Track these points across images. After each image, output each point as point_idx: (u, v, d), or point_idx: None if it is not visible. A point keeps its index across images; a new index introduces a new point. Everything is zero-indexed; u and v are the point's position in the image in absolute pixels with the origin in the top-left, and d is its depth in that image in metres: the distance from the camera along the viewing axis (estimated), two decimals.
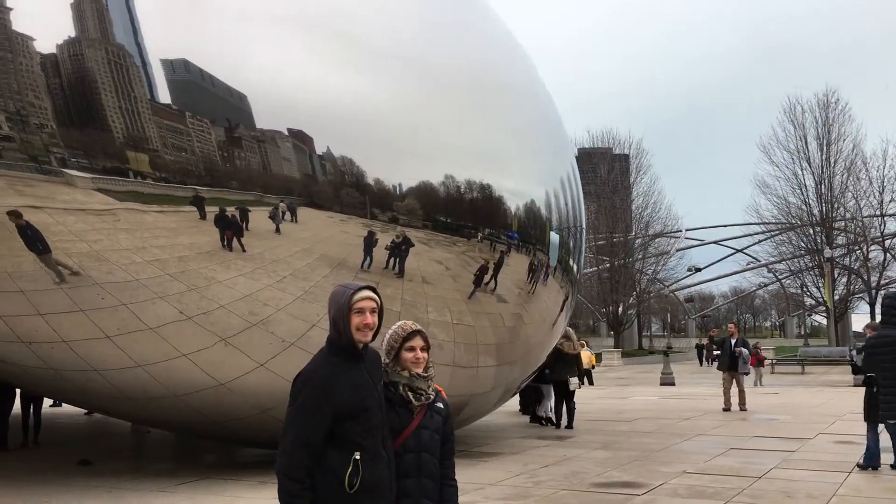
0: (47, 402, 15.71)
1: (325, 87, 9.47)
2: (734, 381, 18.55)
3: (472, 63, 11.43)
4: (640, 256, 70.56)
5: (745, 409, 18.17)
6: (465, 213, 10.56)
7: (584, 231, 14.79)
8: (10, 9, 8.29)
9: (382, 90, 9.89)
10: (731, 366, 18.54)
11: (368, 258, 9.50)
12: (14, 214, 8.42)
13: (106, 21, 8.67)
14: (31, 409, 14.00)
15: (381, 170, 9.65)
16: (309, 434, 3.29)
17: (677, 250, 79.14)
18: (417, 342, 3.71)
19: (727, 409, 18.25)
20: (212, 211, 8.76)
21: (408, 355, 3.69)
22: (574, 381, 15.38)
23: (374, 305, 3.46)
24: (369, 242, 9.45)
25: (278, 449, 3.33)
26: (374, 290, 3.49)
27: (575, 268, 14.01)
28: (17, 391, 13.49)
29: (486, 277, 10.82)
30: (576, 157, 16.57)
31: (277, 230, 9.10)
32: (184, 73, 8.86)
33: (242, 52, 9.12)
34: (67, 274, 8.62)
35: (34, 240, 8.50)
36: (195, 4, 8.99)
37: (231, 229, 8.87)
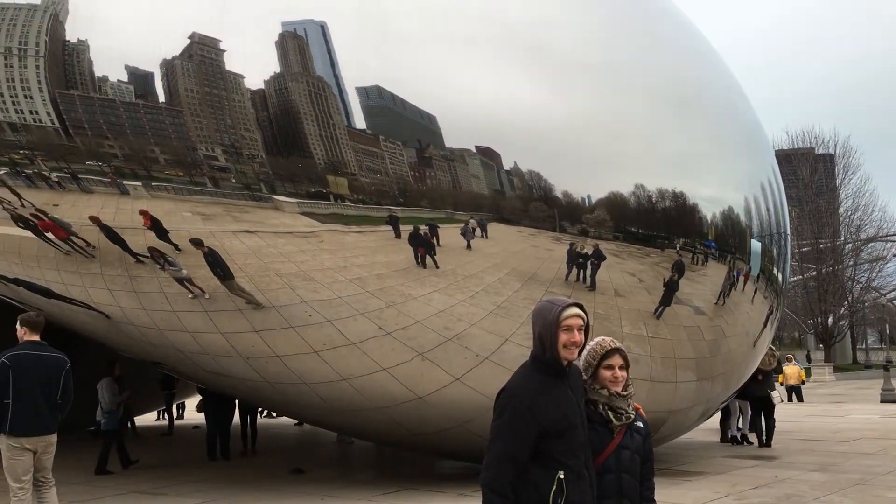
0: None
1: (512, 101, 9.53)
2: None
3: (662, 69, 11.08)
4: (850, 263, 65.20)
5: None
6: (657, 222, 10.23)
7: (788, 237, 13.86)
8: (224, 51, 9.05)
9: (568, 102, 9.84)
10: None
11: (561, 271, 9.43)
12: (196, 242, 9.15)
13: (307, 55, 9.22)
14: (249, 420, 15.11)
15: (569, 182, 9.57)
16: (514, 450, 3.29)
17: (894, 255, 72.35)
18: (616, 360, 3.64)
19: None
20: (406, 229, 9.07)
21: (606, 374, 3.62)
22: (776, 395, 14.37)
23: (582, 323, 3.40)
24: (561, 256, 9.39)
25: (483, 463, 3.35)
26: (581, 307, 3.43)
27: (780, 277, 13.15)
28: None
29: (680, 288, 10.39)
30: None
31: (468, 246, 9.26)
32: (377, 99, 9.27)
33: (430, 75, 9.41)
34: (243, 301, 9.22)
35: (215, 265, 9.18)
36: (386, 33, 9.37)
37: (423, 247, 9.13)
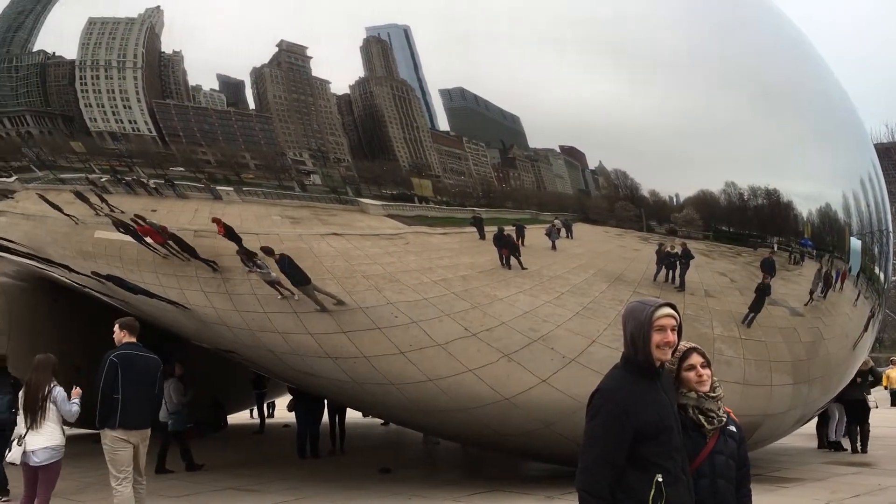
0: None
1: (596, 99, 9.41)
2: None
3: (753, 60, 10.73)
4: None
5: None
6: (749, 221, 9.90)
7: (890, 235, 13.22)
8: (310, 57, 9.24)
9: (654, 98, 9.62)
10: None
11: (649, 272, 9.25)
12: (265, 251, 9.38)
13: (390, 59, 9.32)
14: (338, 419, 15.36)
15: (655, 181, 9.36)
16: (610, 452, 3.24)
17: None
18: (696, 359, 3.56)
19: None
20: (490, 231, 9.05)
21: (690, 375, 3.55)
22: (871, 399, 13.70)
23: (675, 323, 3.34)
24: (648, 256, 9.20)
25: (578, 466, 3.32)
26: (673, 307, 3.37)
27: (882, 276, 12.55)
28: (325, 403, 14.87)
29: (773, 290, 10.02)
30: None
31: (553, 247, 9.18)
32: (460, 101, 9.30)
33: (513, 75, 9.36)
34: (331, 303, 9.39)
35: (292, 272, 9.37)
36: (469, 34, 9.38)
37: (508, 248, 9.10)
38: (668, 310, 3.34)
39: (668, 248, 9.22)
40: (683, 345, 3.59)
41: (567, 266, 9.29)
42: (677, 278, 9.34)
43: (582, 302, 9.14)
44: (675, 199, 9.50)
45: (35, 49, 10.31)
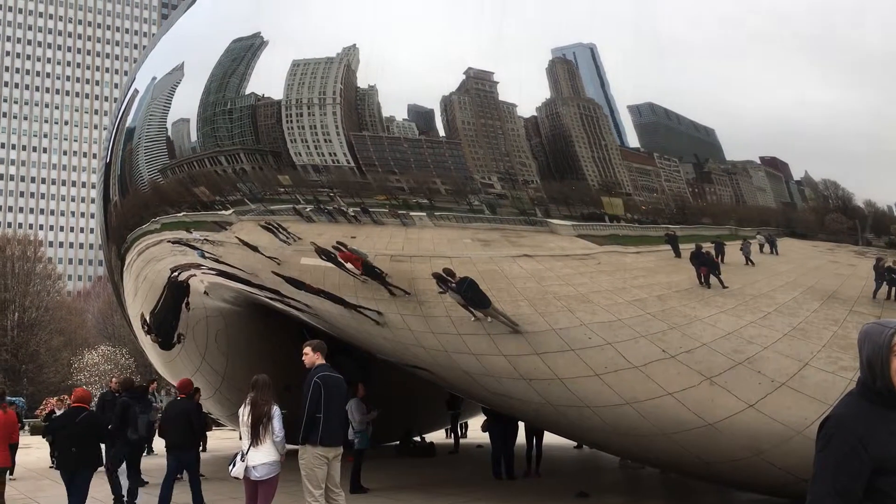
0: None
1: (800, 105, 8.81)
2: None
3: None
4: None
5: None
6: None
7: None
8: (497, 82, 9.37)
9: (867, 99, 8.86)
10: None
11: (867, 289, 8.50)
12: (448, 272, 9.61)
13: (576, 79, 9.25)
14: (535, 441, 15.28)
15: (871, 189, 8.59)
16: (844, 486, 2.96)
17: None
18: None
19: None
20: (686, 248, 8.71)
21: None
22: None
23: None
24: (866, 271, 8.46)
25: (807, 499, 3.06)
26: None
27: None
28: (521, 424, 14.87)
29: None
30: None
31: (756, 264, 8.67)
32: (650, 116, 9.04)
33: (705, 87, 9.00)
34: (511, 321, 9.40)
35: (472, 295, 9.49)
36: (657, 49, 9.12)
37: (706, 265, 8.70)
38: None
39: (894, 263, 8.43)
40: None
41: (772, 284, 8.73)
42: None
43: (791, 322, 8.54)
44: (893, 209, 8.69)
45: (247, 92, 11.21)
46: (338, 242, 10.66)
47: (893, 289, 8.48)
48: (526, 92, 9.27)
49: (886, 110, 8.98)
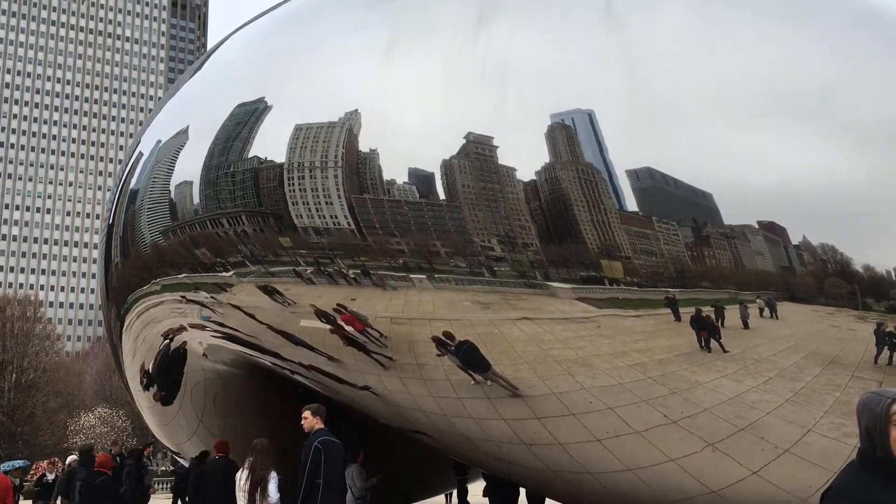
0: None
1: (797, 171, 8.93)
2: None
3: None
4: None
5: None
6: None
7: None
8: (497, 146, 9.50)
9: (864, 165, 8.98)
10: None
11: (869, 354, 8.47)
12: (448, 336, 9.59)
13: (575, 144, 9.38)
14: None
15: (870, 254, 8.65)
16: None
17: None
18: None
19: None
20: (686, 312, 8.71)
21: None
22: None
23: None
24: (866, 336, 8.44)
25: None
26: None
27: None
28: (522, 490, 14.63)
29: None
30: None
31: (756, 328, 8.66)
32: (648, 181, 9.14)
33: (704, 152, 9.14)
34: (511, 385, 9.36)
35: (471, 359, 9.44)
36: (655, 114, 9.29)
37: (707, 329, 8.69)
38: None
39: (892, 328, 8.42)
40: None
41: (773, 348, 8.71)
42: None
43: (793, 387, 8.49)
44: (893, 274, 8.72)
45: (250, 155, 11.35)
46: (338, 304, 10.66)
47: (894, 354, 8.46)
48: (525, 156, 9.38)
49: (883, 176, 9.10)
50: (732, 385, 8.54)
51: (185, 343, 14.80)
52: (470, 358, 9.52)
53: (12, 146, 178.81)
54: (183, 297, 13.30)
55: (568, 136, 9.39)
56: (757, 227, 8.77)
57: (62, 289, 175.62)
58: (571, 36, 9.99)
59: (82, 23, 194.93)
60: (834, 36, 9.89)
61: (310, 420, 8.66)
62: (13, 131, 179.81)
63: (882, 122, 9.23)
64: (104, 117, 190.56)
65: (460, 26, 10.48)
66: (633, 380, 8.81)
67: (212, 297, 12.54)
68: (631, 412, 8.85)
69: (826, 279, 8.67)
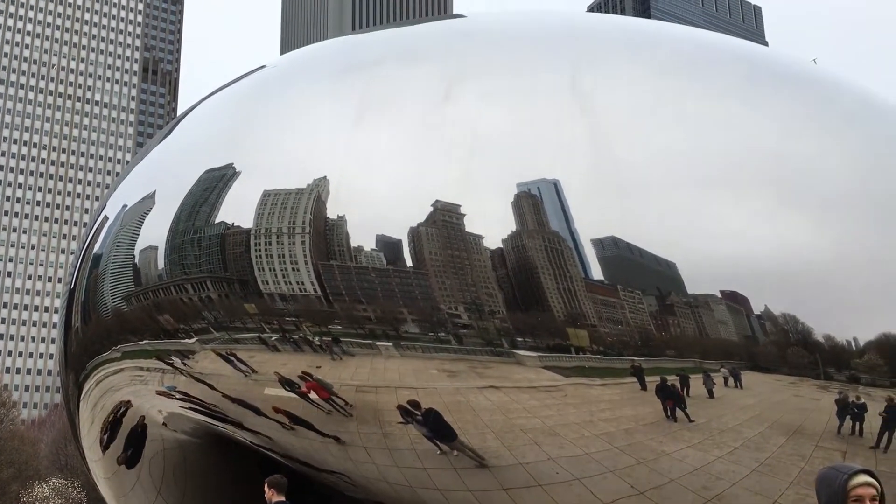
0: None
1: (759, 242, 9.10)
2: None
3: None
4: None
5: None
6: None
7: None
8: (464, 214, 9.59)
9: (825, 237, 9.19)
10: None
11: (832, 424, 8.52)
12: (413, 404, 9.56)
13: (541, 213, 9.50)
14: None
15: (831, 324, 8.79)
16: None
17: None
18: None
19: None
20: (652, 381, 8.73)
21: None
22: None
23: (874, 492, 3.00)
24: (828, 406, 8.51)
25: None
26: (871, 473, 3.04)
27: None
28: None
29: None
30: None
31: (720, 397, 8.69)
32: (613, 250, 9.26)
33: (668, 222, 9.28)
34: (477, 455, 9.28)
35: (437, 427, 9.38)
36: (621, 184, 9.47)
37: (672, 398, 8.70)
38: (864, 477, 3.02)
39: (855, 399, 8.50)
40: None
41: (738, 418, 8.74)
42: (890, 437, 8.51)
43: (758, 457, 8.50)
44: (853, 344, 8.84)
45: (217, 221, 11.30)
46: (303, 372, 10.51)
47: (857, 424, 8.52)
48: (492, 224, 9.47)
49: (843, 247, 9.32)
50: (699, 455, 8.51)
51: (144, 412, 14.43)
52: (436, 426, 9.41)
53: None
54: (144, 364, 13.03)
55: (534, 204, 9.51)
56: (720, 296, 8.88)
57: (20, 354, 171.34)
58: (537, 106, 10.22)
59: (51, 86, 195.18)
60: (794, 106, 10.23)
61: (267, 493, 8.46)
62: None
63: (841, 193, 9.49)
64: (70, 180, 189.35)
65: (429, 96, 10.68)
66: (600, 450, 8.75)
67: (173, 364, 12.30)
68: (598, 483, 8.76)
69: (788, 349, 8.77)
